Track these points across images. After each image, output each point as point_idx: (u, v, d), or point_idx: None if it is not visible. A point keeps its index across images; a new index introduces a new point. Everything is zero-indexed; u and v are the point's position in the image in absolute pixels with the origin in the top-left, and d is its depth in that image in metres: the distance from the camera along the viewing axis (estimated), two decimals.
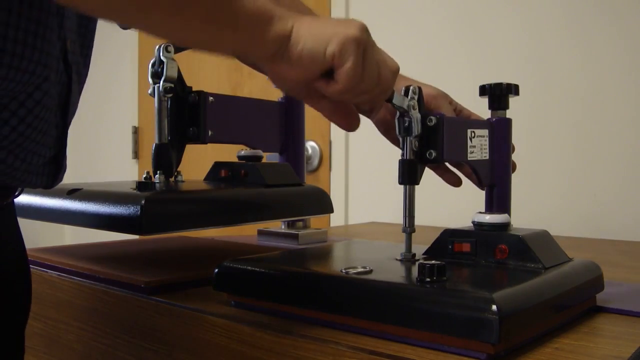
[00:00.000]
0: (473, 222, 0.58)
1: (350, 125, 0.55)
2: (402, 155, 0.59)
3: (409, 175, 0.58)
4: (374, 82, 0.50)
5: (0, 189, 0.52)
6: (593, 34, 1.31)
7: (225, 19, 0.44)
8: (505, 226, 0.57)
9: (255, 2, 0.46)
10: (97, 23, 0.59)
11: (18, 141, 0.46)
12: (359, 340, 0.47)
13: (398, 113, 0.58)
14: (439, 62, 1.54)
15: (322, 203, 0.84)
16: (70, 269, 0.71)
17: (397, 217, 0.62)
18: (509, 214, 0.68)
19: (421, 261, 0.49)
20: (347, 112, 0.55)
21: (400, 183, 0.59)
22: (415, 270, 0.50)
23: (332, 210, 0.85)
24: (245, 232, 1.10)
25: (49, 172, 0.52)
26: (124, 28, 0.69)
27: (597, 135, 1.31)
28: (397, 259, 0.59)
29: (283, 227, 1.00)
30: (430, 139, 0.60)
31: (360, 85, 0.49)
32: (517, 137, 0.76)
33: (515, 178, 0.74)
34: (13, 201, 0.57)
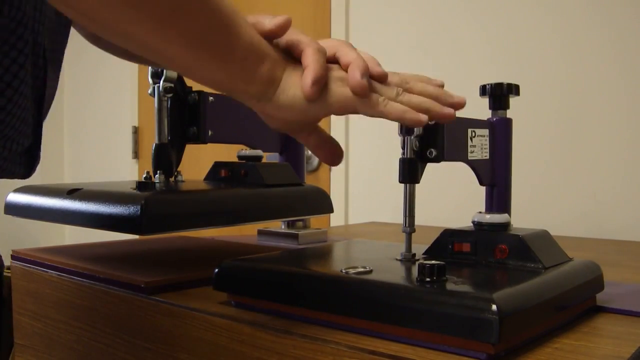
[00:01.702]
0: (473, 222, 0.58)
1: (333, 159, 0.55)
2: (403, 154, 0.59)
3: (409, 174, 0.59)
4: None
5: None
6: (594, 34, 1.31)
7: (218, 45, 0.43)
8: (505, 226, 0.57)
9: (252, 38, 0.45)
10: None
11: (1, 129, 0.47)
12: (359, 340, 0.47)
13: None
14: (439, 62, 1.54)
15: (322, 203, 0.84)
16: (70, 269, 0.71)
17: (397, 217, 0.62)
18: (509, 214, 0.68)
19: (421, 261, 0.49)
20: (332, 147, 0.55)
21: (400, 182, 0.59)
22: (415, 270, 0.50)
23: (332, 210, 0.85)
24: (245, 232, 1.10)
25: (25, 162, 0.53)
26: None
27: (598, 135, 1.31)
28: (397, 259, 0.59)
29: (283, 227, 1.00)
30: (431, 138, 0.60)
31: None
32: (518, 137, 0.76)
33: (515, 178, 0.74)
34: None
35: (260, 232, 1.02)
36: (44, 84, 0.54)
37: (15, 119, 0.49)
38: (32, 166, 0.55)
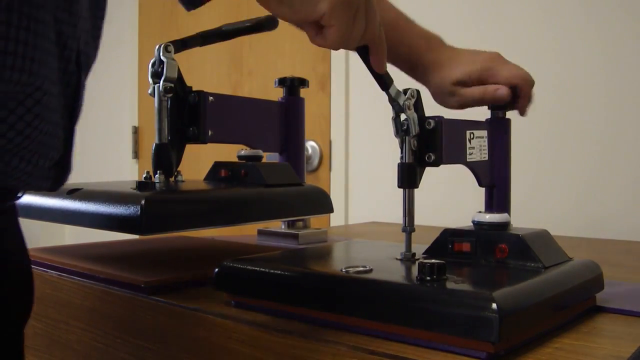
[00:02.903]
0: (473, 222, 0.58)
1: (380, 63, 0.56)
2: (401, 158, 0.59)
3: (408, 179, 0.58)
4: (360, 36, 0.51)
5: (6, 191, 0.52)
6: (594, 33, 1.31)
7: None
8: (505, 226, 0.57)
9: None
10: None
11: (23, 144, 0.46)
12: (359, 340, 0.47)
13: (393, 113, 0.58)
14: None
15: (322, 203, 0.84)
16: (70, 269, 0.71)
17: (397, 217, 0.62)
18: (509, 214, 0.68)
19: (421, 260, 0.49)
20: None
21: (399, 186, 0.59)
22: (415, 270, 0.50)
23: (332, 210, 0.85)
24: (245, 232, 1.10)
25: (54, 175, 0.52)
26: (189, 9, 0.70)
27: (597, 135, 1.31)
28: (397, 259, 0.59)
29: (283, 227, 1.00)
30: (430, 141, 0.60)
31: (347, 43, 0.50)
32: (517, 137, 0.76)
33: (514, 178, 0.74)
34: (14, 202, 0.56)
35: (260, 232, 1.02)
36: (77, 91, 0.52)
37: (42, 134, 0.47)
38: (61, 178, 0.54)
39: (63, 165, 0.52)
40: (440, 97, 0.83)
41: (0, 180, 0.47)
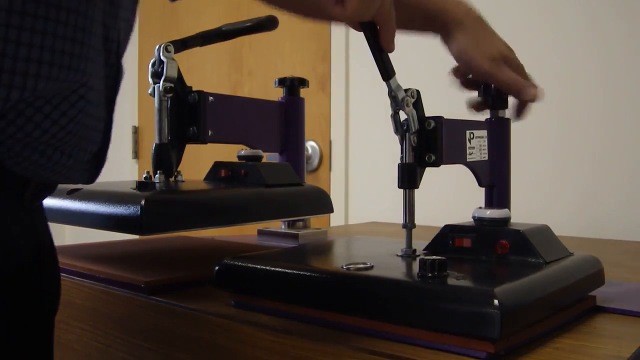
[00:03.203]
0: (473, 218, 0.58)
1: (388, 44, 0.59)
2: (402, 158, 0.59)
3: (408, 179, 0.58)
4: (375, 10, 0.53)
5: (43, 186, 0.51)
6: (594, 32, 1.31)
7: None
8: (506, 221, 0.57)
9: None
10: None
11: (66, 139, 0.46)
12: (359, 340, 0.47)
13: (392, 111, 0.58)
14: (437, 62, 1.53)
15: (322, 203, 0.84)
16: (70, 269, 0.71)
17: (397, 217, 0.62)
18: None
19: (422, 257, 0.49)
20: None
21: (399, 187, 0.59)
22: (416, 266, 0.50)
23: (332, 210, 0.85)
24: (245, 232, 1.10)
25: (90, 168, 0.52)
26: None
27: (598, 135, 1.31)
28: (397, 255, 0.59)
29: (283, 227, 1.00)
30: (430, 142, 0.60)
31: (364, 15, 0.52)
32: (517, 137, 0.76)
33: (514, 178, 0.74)
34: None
35: (260, 232, 1.02)
36: (117, 83, 0.52)
37: (84, 128, 0.47)
38: (97, 171, 0.54)
39: (99, 158, 0.52)
40: (484, 57, 0.74)
41: (41, 176, 0.47)
